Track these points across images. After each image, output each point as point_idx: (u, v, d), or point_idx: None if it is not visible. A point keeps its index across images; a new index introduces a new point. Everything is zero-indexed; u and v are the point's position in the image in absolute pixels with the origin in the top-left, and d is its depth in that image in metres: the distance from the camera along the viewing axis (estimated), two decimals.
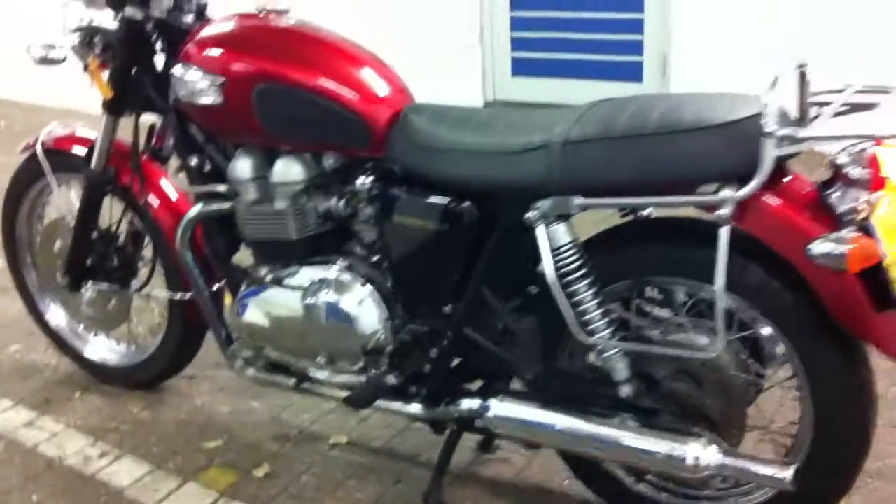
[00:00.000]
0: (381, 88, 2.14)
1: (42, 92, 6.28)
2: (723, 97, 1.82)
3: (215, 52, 2.20)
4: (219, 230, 2.40)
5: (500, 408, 2.03)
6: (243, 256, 2.42)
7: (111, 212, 2.70)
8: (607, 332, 1.90)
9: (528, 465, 2.39)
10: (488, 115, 2.06)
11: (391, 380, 2.17)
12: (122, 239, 2.68)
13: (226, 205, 2.34)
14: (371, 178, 2.13)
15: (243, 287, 2.34)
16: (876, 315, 1.67)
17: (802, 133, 1.63)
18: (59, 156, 2.67)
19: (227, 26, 2.27)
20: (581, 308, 1.89)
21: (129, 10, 2.34)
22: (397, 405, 2.20)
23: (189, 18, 2.36)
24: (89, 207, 2.63)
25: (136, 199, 2.55)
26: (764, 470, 1.80)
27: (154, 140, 2.52)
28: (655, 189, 1.79)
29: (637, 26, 5.13)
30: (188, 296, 2.55)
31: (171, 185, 2.60)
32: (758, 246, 1.78)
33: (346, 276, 2.18)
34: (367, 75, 2.15)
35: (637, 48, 5.17)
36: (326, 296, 2.17)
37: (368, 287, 2.17)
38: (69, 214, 2.71)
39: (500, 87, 5.62)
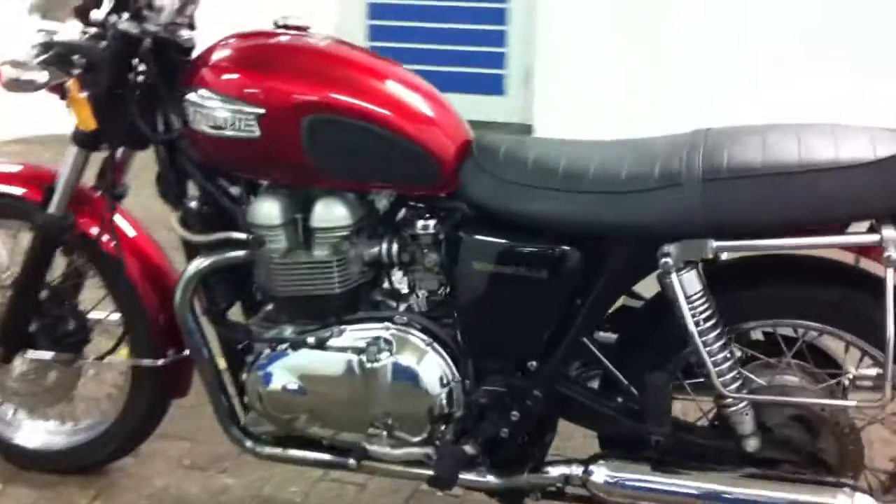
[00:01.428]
0: (446, 119, 1.90)
1: None
2: (856, 130, 1.73)
3: (250, 77, 1.84)
4: (222, 284, 2.04)
5: (608, 471, 1.83)
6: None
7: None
8: (738, 383, 1.75)
9: None
10: (579, 149, 1.86)
11: (469, 450, 1.91)
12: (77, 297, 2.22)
13: (239, 254, 1.98)
14: (437, 219, 1.87)
15: (266, 351, 1.99)
16: None
17: None
18: None
19: (254, 46, 1.92)
20: (714, 359, 1.74)
21: (125, 24, 1.91)
22: (472, 476, 1.94)
23: (186, 34, 1.97)
24: (39, 261, 2.16)
25: (99, 251, 2.11)
26: None
27: (110, 177, 2.09)
28: (797, 229, 1.67)
29: (500, 39, 5.05)
30: (161, 362, 2.16)
31: (143, 231, 2.18)
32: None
33: (406, 333, 1.90)
34: (430, 104, 1.89)
35: (499, 61, 5.09)
36: (384, 356, 1.89)
37: (433, 344, 1.90)
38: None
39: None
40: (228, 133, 1.84)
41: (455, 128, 1.89)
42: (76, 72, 1.91)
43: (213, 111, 1.84)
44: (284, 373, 1.96)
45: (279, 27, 1.98)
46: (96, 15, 1.93)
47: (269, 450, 2.07)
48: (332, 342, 1.92)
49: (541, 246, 1.80)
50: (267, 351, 1.99)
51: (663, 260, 1.69)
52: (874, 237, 1.62)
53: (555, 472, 1.90)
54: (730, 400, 1.76)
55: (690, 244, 1.69)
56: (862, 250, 1.69)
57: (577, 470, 1.87)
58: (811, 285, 1.78)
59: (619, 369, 1.86)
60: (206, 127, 1.85)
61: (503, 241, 1.82)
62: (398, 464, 1.97)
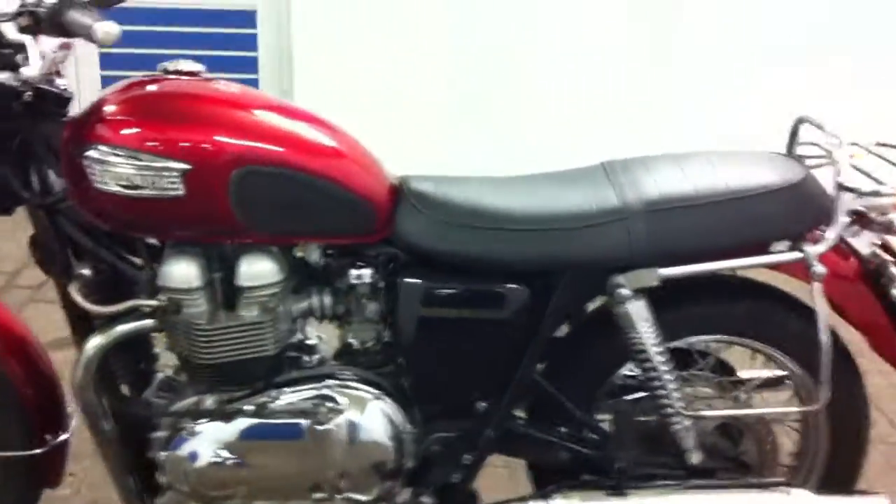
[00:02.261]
0: (372, 163, 1.83)
1: None
2: (760, 156, 1.89)
3: (170, 130, 1.67)
4: (119, 357, 1.84)
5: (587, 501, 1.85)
6: None
7: None
8: (681, 402, 1.85)
9: None
10: (510, 186, 1.87)
11: (426, 501, 1.86)
12: None
13: (148, 323, 1.80)
14: (371, 267, 1.81)
15: (187, 424, 1.81)
16: None
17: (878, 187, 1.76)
18: None
19: (162, 95, 1.75)
20: (666, 379, 1.81)
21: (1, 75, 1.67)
22: None
23: (61, 83, 1.76)
24: None
25: None
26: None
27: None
28: (730, 252, 1.79)
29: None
30: (41, 450, 1.92)
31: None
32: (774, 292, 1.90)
33: (351, 388, 1.82)
34: (355, 150, 1.82)
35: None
36: (333, 416, 1.79)
37: (381, 396, 1.83)
38: None
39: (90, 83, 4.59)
40: (148, 192, 1.66)
41: (380, 171, 1.84)
42: None
43: (127, 169, 1.65)
44: (217, 446, 1.80)
45: (169, 72, 1.81)
46: None
47: None
48: (271, 407, 1.80)
49: (488, 286, 1.79)
50: (188, 424, 1.82)
51: (618, 291, 1.75)
52: (797, 255, 1.78)
53: None
54: (676, 417, 1.84)
55: (639, 274, 1.76)
56: (784, 268, 1.83)
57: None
58: (731, 302, 1.91)
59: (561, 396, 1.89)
60: (116, 186, 1.66)
61: (448, 284, 1.80)
62: None
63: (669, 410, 1.82)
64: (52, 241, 1.79)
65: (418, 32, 4.34)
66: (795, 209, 1.79)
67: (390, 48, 4.34)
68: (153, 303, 1.76)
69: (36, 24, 1.58)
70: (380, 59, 4.33)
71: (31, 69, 1.68)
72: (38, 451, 1.92)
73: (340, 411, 1.79)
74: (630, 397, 1.91)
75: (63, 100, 1.75)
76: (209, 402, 1.84)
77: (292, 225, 1.76)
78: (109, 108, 1.71)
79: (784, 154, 1.91)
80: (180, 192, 1.66)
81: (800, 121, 1.92)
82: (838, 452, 2.01)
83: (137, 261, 1.81)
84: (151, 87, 1.76)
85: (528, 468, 2.03)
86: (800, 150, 1.92)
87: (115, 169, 1.65)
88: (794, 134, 1.93)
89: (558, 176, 1.91)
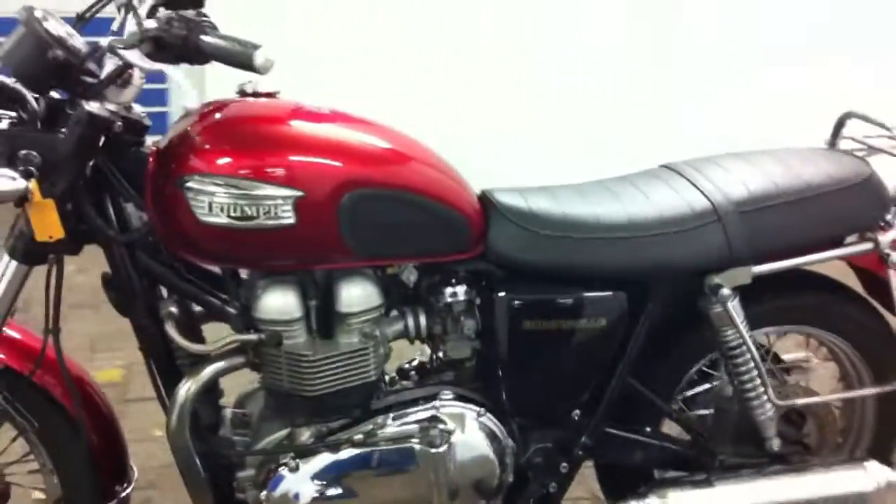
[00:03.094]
0: (459, 177, 1.79)
1: None
2: (820, 152, 1.97)
3: (279, 157, 1.59)
4: (207, 397, 1.75)
5: (685, 499, 1.88)
6: None
7: None
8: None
9: None
10: (596, 194, 1.87)
11: None
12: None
13: (241, 360, 1.71)
14: (466, 284, 1.78)
15: (287, 460, 1.73)
16: None
17: None
18: None
19: (258, 120, 1.66)
20: (760, 373, 1.87)
21: (92, 106, 1.53)
22: None
23: (139, 110, 1.64)
24: None
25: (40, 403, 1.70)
26: None
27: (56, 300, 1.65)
28: (810, 247, 1.86)
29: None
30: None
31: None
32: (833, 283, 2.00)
33: (457, 408, 1.79)
34: (443, 163, 1.78)
35: None
36: (445, 437, 1.75)
37: (485, 413, 1.80)
38: None
39: None
40: (261, 222, 1.57)
41: (468, 186, 1.80)
42: (34, 171, 1.50)
43: (237, 200, 1.56)
44: (323, 480, 1.73)
45: (247, 94, 1.71)
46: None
47: None
48: (380, 434, 1.74)
49: (586, 294, 1.79)
50: (287, 460, 1.73)
51: (721, 291, 1.78)
52: (870, 245, 1.87)
53: None
54: (765, 406, 1.90)
55: (735, 273, 1.80)
56: (856, 259, 1.91)
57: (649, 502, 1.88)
58: (801, 294, 1.98)
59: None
60: (226, 218, 1.57)
61: (546, 295, 1.79)
62: None
63: (760, 401, 1.88)
64: (134, 280, 1.66)
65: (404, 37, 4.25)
66: (867, 202, 1.88)
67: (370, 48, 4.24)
68: (253, 337, 1.67)
69: (158, 50, 1.46)
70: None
71: (122, 97, 1.56)
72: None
73: (451, 432, 1.76)
74: (724, 393, 1.94)
75: (143, 128, 1.64)
76: (305, 435, 1.76)
77: (398, 246, 1.71)
78: (204, 136, 1.61)
79: (838, 149, 1.99)
80: (291, 221, 1.58)
81: (847, 115, 2.01)
82: (882, 427, 2.13)
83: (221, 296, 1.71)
84: (242, 111, 1.67)
85: (597, 472, 2.04)
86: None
87: (222, 200, 1.56)
88: (839, 127, 2.02)
89: (630, 180, 1.92)
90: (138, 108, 1.65)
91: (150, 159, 1.62)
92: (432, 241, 1.72)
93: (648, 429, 1.94)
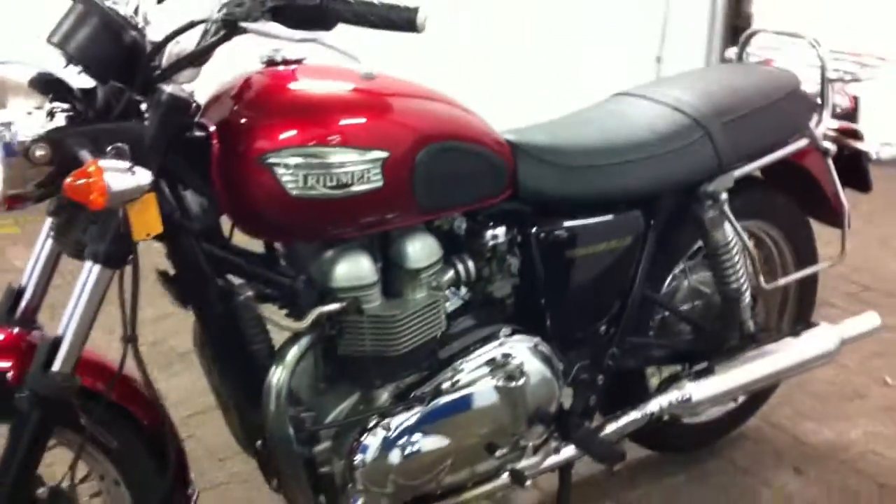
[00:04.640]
0: (488, 124, 1.86)
1: None
2: (753, 66, 2.24)
3: (358, 122, 1.58)
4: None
5: (701, 388, 2.10)
6: None
7: None
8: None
9: None
10: (599, 121, 2.02)
11: (587, 424, 1.99)
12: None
13: (317, 335, 1.69)
14: (504, 225, 1.86)
15: (374, 424, 1.74)
16: None
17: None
18: None
19: (320, 89, 1.64)
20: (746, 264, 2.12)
21: (172, 88, 1.42)
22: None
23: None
24: (34, 450, 1.49)
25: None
26: None
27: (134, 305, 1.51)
28: (770, 148, 2.13)
29: None
30: None
31: None
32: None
33: (517, 342, 1.88)
34: (471, 111, 1.83)
35: None
36: (515, 371, 1.84)
37: (538, 341, 1.91)
38: None
39: None
40: (353, 189, 1.56)
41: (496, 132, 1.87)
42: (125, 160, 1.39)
43: (332, 168, 1.54)
44: (415, 434, 1.76)
45: (274, 63, 1.67)
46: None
47: None
48: (460, 379, 1.80)
49: (613, 217, 1.94)
50: (375, 423, 1.75)
51: (720, 196, 2.00)
52: (807, 140, 2.17)
53: (655, 406, 2.09)
54: (745, 293, 2.15)
55: (723, 178, 2.03)
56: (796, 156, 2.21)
57: (674, 397, 2.08)
58: (753, 193, 2.25)
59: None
60: (320, 189, 1.54)
61: (577, 224, 1.92)
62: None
63: (746, 287, 2.13)
64: (206, 269, 1.59)
65: None
66: (802, 105, 2.17)
67: None
68: (336, 306, 1.66)
69: (273, 19, 1.38)
70: None
71: (185, 78, 1.48)
72: None
73: (521, 364, 1.85)
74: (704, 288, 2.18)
75: (198, 110, 1.56)
76: (383, 396, 1.78)
77: (456, 196, 1.76)
78: (278, 109, 1.56)
79: (760, 63, 2.27)
80: (379, 184, 1.59)
81: (753, 32, 2.29)
82: (802, 301, 2.48)
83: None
84: (304, 80, 1.64)
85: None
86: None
87: (317, 171, 1.53)
88: (745, 43, 2.30)
89: (606, 109, 2.09)
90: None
91: (214, 141, 1.55)
92: (481, 187, 1.79)
93: (653, 332, 2.15)
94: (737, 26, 5.77)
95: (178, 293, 1.64)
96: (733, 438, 2.57)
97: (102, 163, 1.32)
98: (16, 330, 1.57)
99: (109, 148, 1.39)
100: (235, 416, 1.81)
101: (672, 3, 5.45)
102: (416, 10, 1.34)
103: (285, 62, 1.66)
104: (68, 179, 1.32)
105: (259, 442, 1.76)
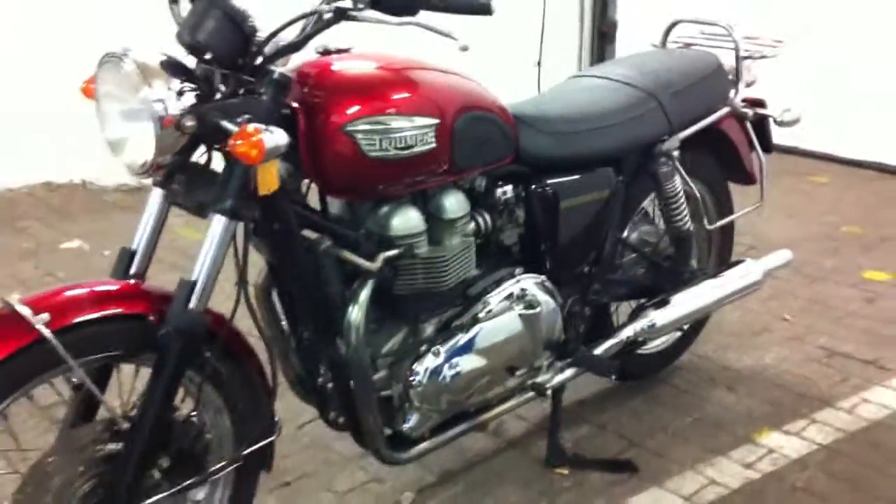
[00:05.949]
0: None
1: None
2: (681, 51, 2.72)
3: (418, 94, 1.94)
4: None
5: (663, 315, 2.53)
6: None
7: None
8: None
9: None
10: (576, 93, 2.44)
11: (584, 349, 2.40)
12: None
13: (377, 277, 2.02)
14: (510, 183, 2.25)
15: (436, 347, 2.09)
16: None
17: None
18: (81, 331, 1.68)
19: (377, 68, 1.98)
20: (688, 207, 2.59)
21: (280, 69, 1.74)
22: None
23: None
24: (173, 379, 1.76)
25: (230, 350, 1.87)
26: None
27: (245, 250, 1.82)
28: (701, 116, 2.60)
29: None
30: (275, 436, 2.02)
31: None
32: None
33: (528, 279, 2.26)
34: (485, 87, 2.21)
35: None
36: (532, 301, 2.23)
37: (543, 279, 2.30)
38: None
39: None
40: (415, 149, 1.91)
41: None
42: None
43: (400, 132, 1.88)
44: (459, 356, 2.11)
45: (327, 52, 2.01)
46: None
47: (421, 447, 2.16)
48: (491, 309, 2.16)
49: (591, 174, 2.36)
50: (425, 351, 2.09)
51: (674, 153, 2.46)
52: (728, 108, 2.66)
53: (627, 334, 2.50)
54: (692, 233, 2.62)
55: (673, 140, 2.49)
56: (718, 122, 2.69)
57: (643, 324, 2.50)
58: (685, 155, 2.70)
59: None
60: (392, 151, 1.88)
61: (568, 179, 2.32)
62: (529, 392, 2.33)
63: (694, 229, 2.60)
64: (295, 224, 1.89)
65: None
66: (723, 80, 2.66)
67: None
68: (397, 251, 2.00)
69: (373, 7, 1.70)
70: None
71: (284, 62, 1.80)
72: (273, 437, 2.00)
73: (535, 295, 2.23)
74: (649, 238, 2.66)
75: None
76: (429, 329, 2.13)
77: (480, 158, 2.12)
78: (354, 86, 1.90)
79: (685, 47, 2.76)
80: (433, 145, 1.95)
81: (675, 23, 2.78)
82: (722, 245, 2.98)
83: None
84: (369, 63, 1.98)
85: None
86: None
87: (391, 135, 1.88)
88: (668, 32, 2.79)
89: (572, 86, 2.52)
90: None
91: (300, 116, 1.86)
92: (497, 150, 2.16)
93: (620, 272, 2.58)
94: (603, 32, 6.40)
95: (268, 244, 1.94)
96: (672, 370, 3.03)
97: (258, 126, 1.63)
98: (143, 284, 1.84)
99: (239, 119, 1.69)
100: (297, 359, 2.11)
101: (547, 13, 5.97)
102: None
103: (338, 51, 2.00)
104: (232, 141, 1.62)
105: (320, 379, 2.08)
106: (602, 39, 6.35)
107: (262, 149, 1.62)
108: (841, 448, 2.61)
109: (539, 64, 5.96)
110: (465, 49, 1.67)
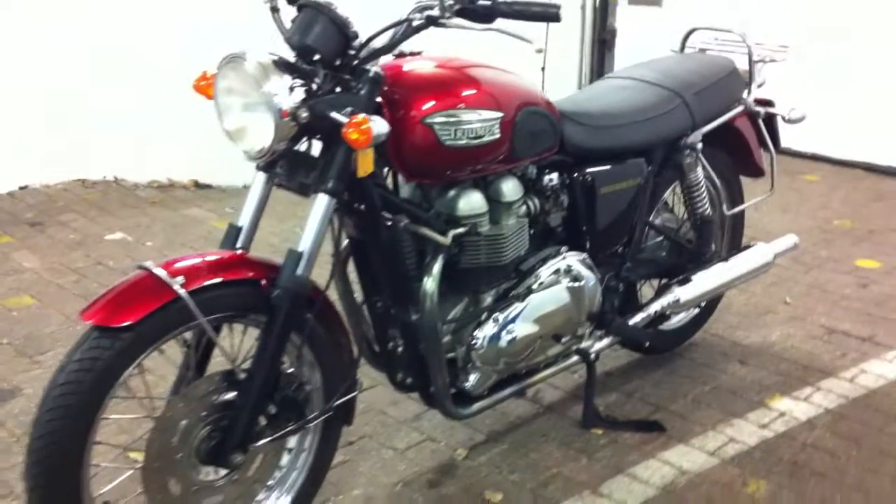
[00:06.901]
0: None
1: None
2: (697, 55, 3.03)
3: (485, 91, 2.22)
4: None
5: (686, 291, 2.82)
6: None
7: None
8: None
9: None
10: (614, 91, 2.73)
11: (619, 320, 2.68)
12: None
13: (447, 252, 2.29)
14: (556, 172, 2.53)
15: (495, 315, 2.37)
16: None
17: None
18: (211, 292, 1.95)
19: (447, 68, 2.26)
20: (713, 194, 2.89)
21: (375, 67, 2.02)
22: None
23: None
24: (283, 337, 2.02)
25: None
26: None
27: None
28: (720, 114, 2.90)
29: None
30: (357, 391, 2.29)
31: None
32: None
33: (573, 256, 2.54)
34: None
35: None
36: (578, 275, 2.51)
37: (586, 256, 2.58)
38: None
39: None
40: (484, 139, 2.19)
41: None
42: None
43: (470, 124, 2.16)
44: (515, 323, 2.39)
45: (402, 55, 2.28)
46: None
47: (481, 404, 2.44)
48: (542, 282, 2.45)
49: (628, 163, 2.65)
50: (486, 317, 2.37)
51: (698, 146, 2.76)
52: (742, 107, 2.96)
53: (655, 307, 2.80)
54: (713, 219, 2.92)
55: (696, 134, 2.79)
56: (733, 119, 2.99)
57: (669, 299, 2.79)
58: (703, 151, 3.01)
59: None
60: (464, 140, 2.16)
61: (607, 168, 2.61)
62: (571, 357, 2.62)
63: (714, 214, 2.89)
64: (377, 204, 2.16)
65: None
66: (738, 81, 2.96)
67: None
68: (463, 229, 2.27)
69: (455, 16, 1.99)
70: None
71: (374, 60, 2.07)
72: (356, 392, 2.27)
73: (580, 271, 2.52)
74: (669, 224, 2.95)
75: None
76: (488, 299, 2.41)
77: (533, 148, 2.40)
78: (431, 84, 2.18)
79: (701, 52, 3.06)
80: (498, 136, 2.23)
81: (692, 29, 3.08)
82: (733, 233, 3.28)
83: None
84: (442, 64, 2.26)
85: None
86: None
87: (465, 126, 2.16)
88: (685, 39, 3.09)
89: (607, 86, 2.81)
90: None
91: (385, 110, 2.13)
92: (546, 141, 2.44)
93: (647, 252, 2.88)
94: (603, 39, 6.70)
95: (354, 222, 2.21)
96: (688, 346, 3.32)
97: (366, 116, 1.91)
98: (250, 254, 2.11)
99: (343, 111, 1.96)
100: (370, 326, 2.39)
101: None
102: (558, 7, 2.00)
103: (411, 54, 2.28)
104: (344, 129, 1.90)
105: (391, 344, 2.35)
106: (602, 46, 6.65)
107: (370, 135, 1.90)
108: (845, 412, 2.91)
109: (543, 70, 6.27)
110: (540, 51, 1.95)
